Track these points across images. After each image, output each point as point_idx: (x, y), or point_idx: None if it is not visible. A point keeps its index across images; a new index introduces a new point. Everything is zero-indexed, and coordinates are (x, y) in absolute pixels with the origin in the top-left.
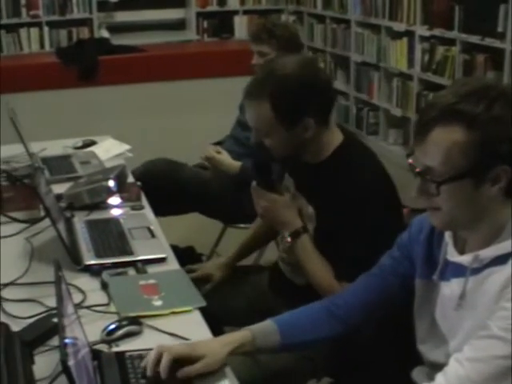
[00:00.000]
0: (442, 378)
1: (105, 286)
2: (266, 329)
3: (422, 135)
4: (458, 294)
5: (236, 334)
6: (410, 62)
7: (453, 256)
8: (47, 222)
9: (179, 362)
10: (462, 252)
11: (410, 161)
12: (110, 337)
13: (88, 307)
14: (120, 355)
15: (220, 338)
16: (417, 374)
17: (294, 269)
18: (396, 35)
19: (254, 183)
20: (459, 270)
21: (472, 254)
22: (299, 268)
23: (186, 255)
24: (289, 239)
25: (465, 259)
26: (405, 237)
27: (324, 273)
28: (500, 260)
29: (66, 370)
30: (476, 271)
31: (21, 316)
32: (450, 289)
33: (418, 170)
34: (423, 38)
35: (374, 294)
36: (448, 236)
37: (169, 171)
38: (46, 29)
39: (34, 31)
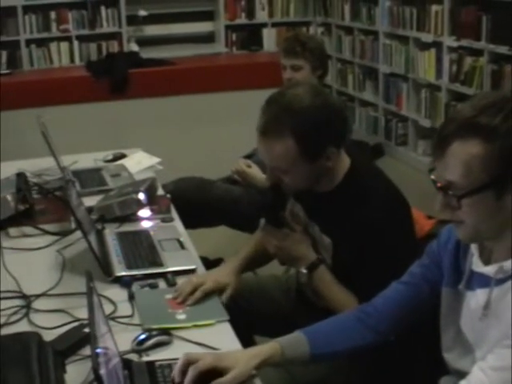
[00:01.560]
0: None
1: (131, 298)
2: (294, 340)
3: (441, 149)
4: (482, 304)
5: (264, 346)
6: (438, 73)
7: (478, 266)
8: (78, 234)
9: (205, 372)
10: (487, 262)
11: (432, 176)
12: (140, 347)
13: (112, 318)
14: (150, 365)
15: (248, 350)
16: (444, 383)
17: (315, 293)
18: (424, 46)
19: (262, 222)
20: (484, 281)
21: (497, 264)
22: (321, 299)
23: (216, 267)
24: (305, 271)
25: (489, 270)
26: (434, 245)
27: (346, 301)
28: None
29: (97, 378)
30: (501, 282)
31: (49, 327)
32: (475, 299)
33: (439, 184)
34: (451, 49)
35: (404, 302)
36: (474, 247)
37: (199, 190)
38: (75, 43)
39: (64, 45)
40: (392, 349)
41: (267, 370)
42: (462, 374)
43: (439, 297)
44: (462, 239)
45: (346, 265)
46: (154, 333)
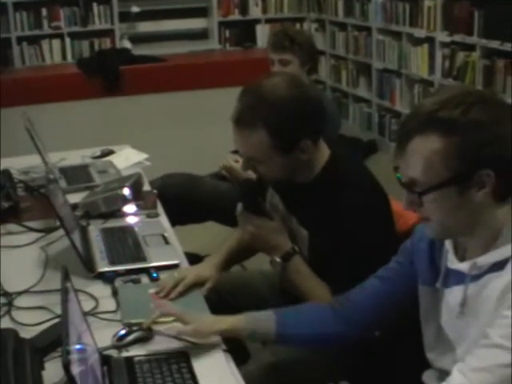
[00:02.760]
0: None
1: (115, 293)
2: (263, 317)
3: (402, 146)
4: (459, 301)
5: (232, 317)
6: (431, 68)
7: (453, 263)
8: (62, 230)
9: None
10: (462, 259)
11: (398, 175)
12: (120, 342)
13: (93, 314)
14: (129, 360)
15: (215, 317)
16: (427, 376)
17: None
18: (417, 42)
19: (239, 207)
20: (460, 278)
21: (471, 261)
22: (294, 289)
23: None
24: (279, 260)
25: (464, 266)
26: (408, 243)
27: (320, 292)
28: (498, 266)
29: (69, 376)
30: (476, 278)
31: (31, 323)
32: (452, 296)
33: (402, 182)
34: (444, 44)
35: (379, 296)
36: (448, 244)
37: (187, 186)
38: (67, 40)
39: (56, 43)
40: (376, 345)
41: (255, 368)
42: (444, 372)
43: (416, 294)
44: (431, 236)
45: (321, 256)
46: (135, 328)
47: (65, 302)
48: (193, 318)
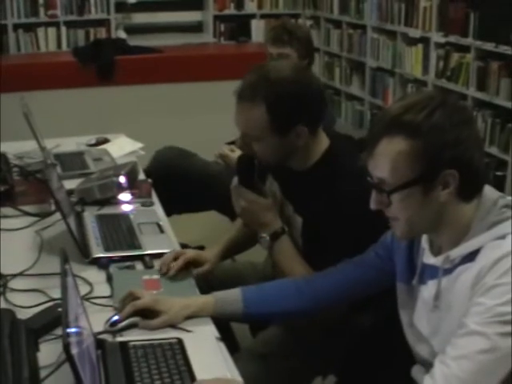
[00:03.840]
0: (430, 381)
1: (109, 279)
2: (230, 296)
3: (370, 148)
4: (433, 294)
5: (199, 298)
6: (425, 69)
7: (428, 259)
8: (57, 215)
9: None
10: (438, 254)
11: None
12: (113, 327)
13: (87, 299)
14: (123, 345)
15: (183, 300)
16: (415, 372)
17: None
18: (411, 41)
19: (234, 181)
20: (434, 272)
21: (444, 254)
22: (279, 269)
23: None
24: (267, 238)
25: (437, 260)
26: (388, 238)
27: (303, 273)
28: (469, 258)
29: (68, 356)
30: (448, 271)
31: (26, 305)
32: (427, 291)
33: (371, 182)
34: (438, 45)
35: (348, 281)
36: (424, 241)
37: (179, 159)
38: (63, 29)
39: (52, 31)
40: (364, 340)
41: (244, 361)
42: (424, 361)
43: (388, 285)
44: (399, 235)
45: (315, 243)
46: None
47: (65, 284)
48: (163, 306)
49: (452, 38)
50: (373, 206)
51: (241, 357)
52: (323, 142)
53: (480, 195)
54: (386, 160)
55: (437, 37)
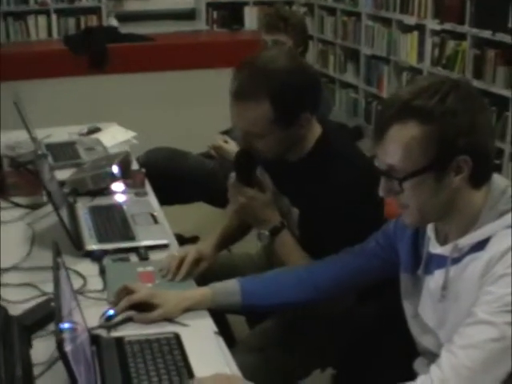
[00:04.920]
0: (437, 369)
1: (102, 272)
2: (228, 289)
3: (380, 134)
4: (441, 284)
5: (197, 290)
6: (420, 56)
7: (435, 248)
8: (49, 207)
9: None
10: (444, 244)
11: (376, 163)
12: (108, 322)
13: (81, 293)
14: (119, 341)
15: (179, 293)
16: (418, 364)
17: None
18: (407, 29)
19: (232, 177)
20: (441, 262)
21: (452, 243)
22: (281, 264)
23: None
24: (267, 233)
25: (445, 250)
26: (391, 228)
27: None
28: (478, 247)
29: (62, 354)
30: (457, 260)
31: (17, 301)
32: (434, 281)
33: (381, 169)
34: (434, 32)
35: (349, 270)
36: (430, 230)
37: (172, 160)
38: (53, 17)
39: (42, 19)
40: (364, 332)
41: (242, 354)
42: (428, 353)
43: (391, 274)
44: (409, 223)
45: (312, 234)
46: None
47: (57, 277)
48: (159, 299)
49: (448, 26)
50: (382, 193)
51: (238, 350)
52: (316, 129)
53: (489, 182)
54: (397, 146)
55: (432, 24)
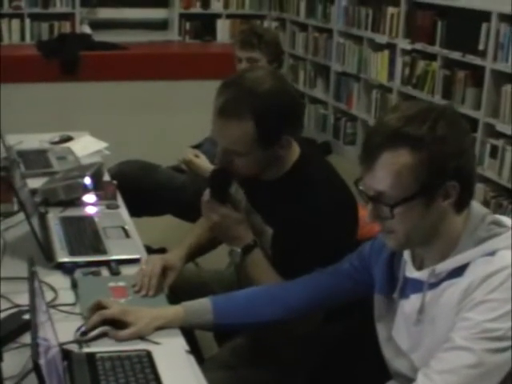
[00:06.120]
0: None
1: (74, 285)
2: (200, 307)
3: (370, 161)
4: (416, 308)
5: (169, 309)
6: (391, 75)
7: (411, 273)
8: (20, 216)
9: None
10: (420, 268)
11: (361, 187)
12: (83, 337)
13: (53, 306)
14: (91, 356)
15: (152, 311)
16: None
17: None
18: (378, 47)
19: (206, 195)
20: (417, 286)
21: (429, 268)
22: (252, 282)
23: None
24: (239, 250)
25: (422, 275)
26: (366, 250)
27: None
28: (456, 273)
29: (37, 369)
30: (433, 285)
31: None
32: (409, 304)
33: (369, 195)
34: (405, 52)
35: (322, 290)
36: (406, 254)
37: (142, 173)
38: (27, 21)
39: (16, 23)
40: (336, 356)
41: (212, 371)
42: (400, 376)
43: (362, 295)
44: (394, 247)
45: (284, 254)
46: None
47: (33, 291)
48: (132, 317)
49: (419, 46)
50: (369, 218)
51: (208, 367)
52: (295, 150)
53: (469, 208)
54: (388, 173)
55: (403, 43)
